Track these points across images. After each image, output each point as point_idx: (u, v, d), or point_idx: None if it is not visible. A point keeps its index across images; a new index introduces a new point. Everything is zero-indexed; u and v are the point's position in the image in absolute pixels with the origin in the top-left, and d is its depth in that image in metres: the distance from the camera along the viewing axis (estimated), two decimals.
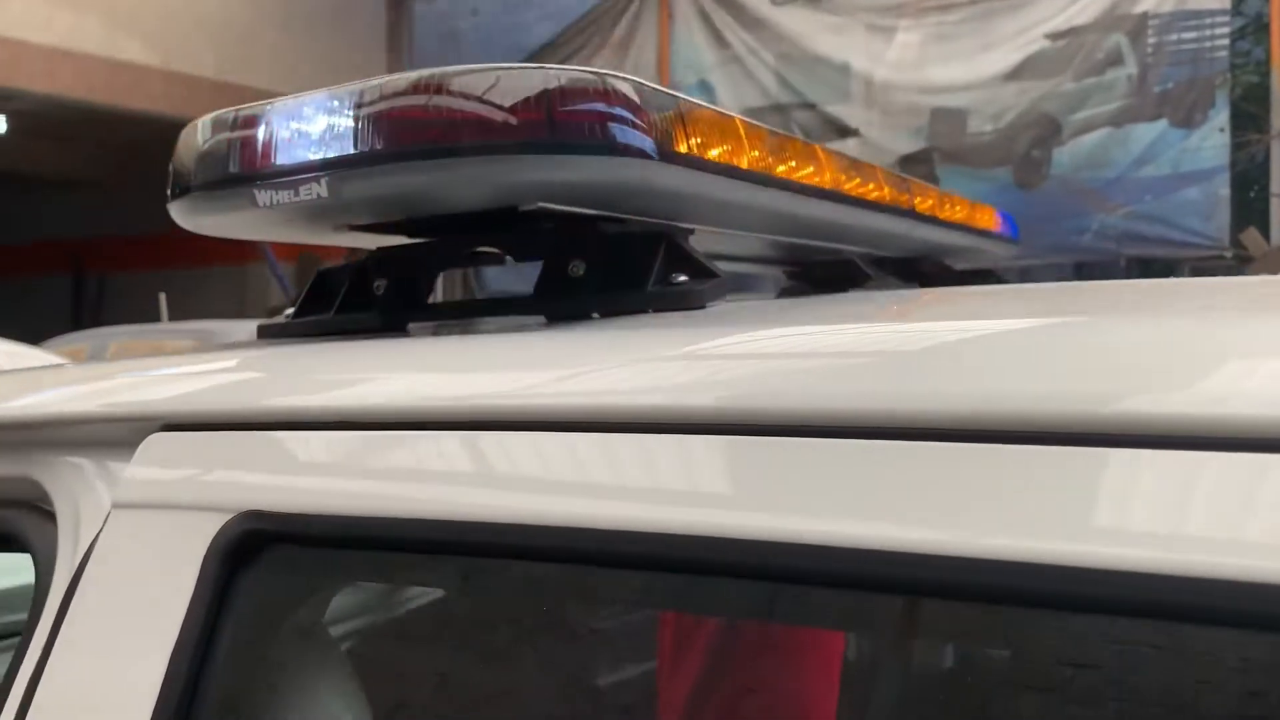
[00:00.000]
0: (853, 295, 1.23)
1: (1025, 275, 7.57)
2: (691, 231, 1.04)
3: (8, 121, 9.24)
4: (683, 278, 0.86)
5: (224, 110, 0.87)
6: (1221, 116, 7.09)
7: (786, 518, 0.56)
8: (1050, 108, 7.49)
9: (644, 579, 0.65)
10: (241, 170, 0.83)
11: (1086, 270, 7.58)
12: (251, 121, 0.84)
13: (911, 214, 1.31)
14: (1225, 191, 7.05)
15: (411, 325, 0.96)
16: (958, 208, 1.48)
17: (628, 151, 0.79)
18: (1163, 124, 7.20)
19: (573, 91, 0.78)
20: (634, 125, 0.80)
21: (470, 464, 0.67)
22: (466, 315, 0.97)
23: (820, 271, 1.61)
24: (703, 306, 0.85)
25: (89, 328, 8.79)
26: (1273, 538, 0.46)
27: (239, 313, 9.11)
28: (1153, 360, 0.54)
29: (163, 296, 7.12)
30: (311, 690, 0.77)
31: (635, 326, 0.78)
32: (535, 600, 0.75)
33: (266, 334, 1.04)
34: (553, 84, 0.77)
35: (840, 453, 0.56)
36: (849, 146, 8.17)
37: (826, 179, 1.09)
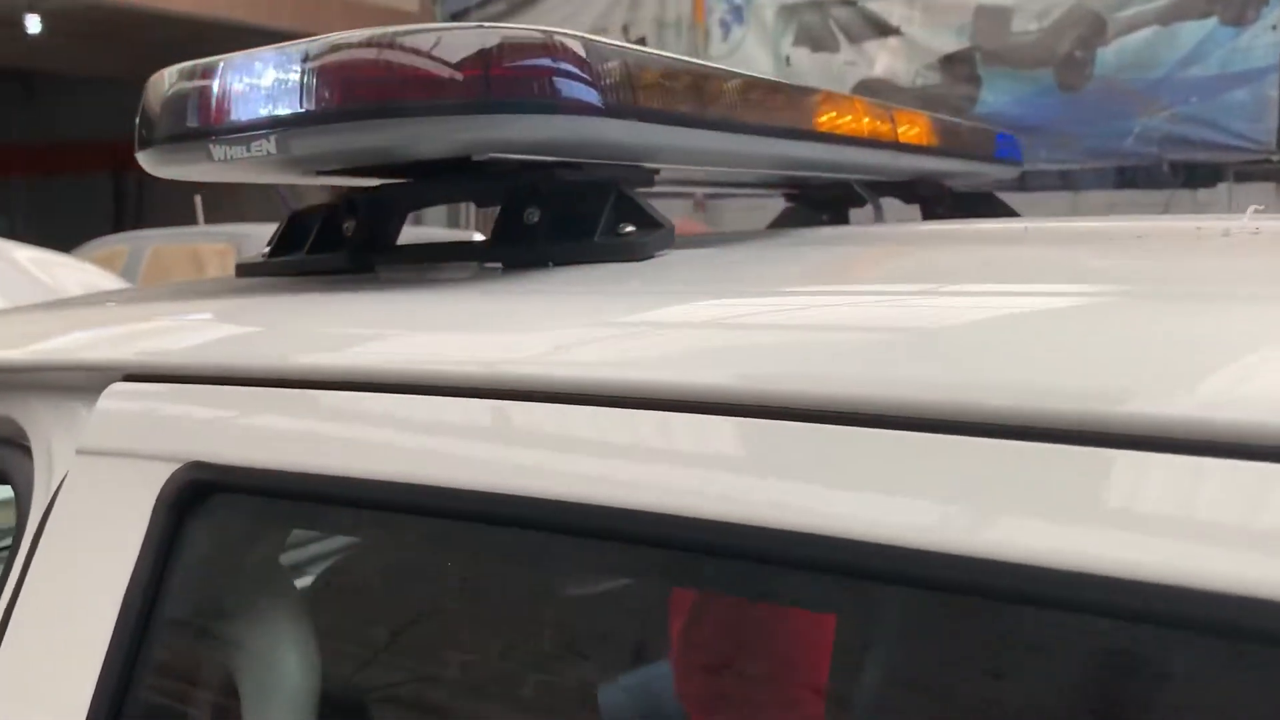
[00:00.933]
0: (795, 234, 1.23)
1: (1066, 179, 7.44)
2: (656, 172, 1.05)
3: (44, 21, 9.22)
4: (630, 228, 0.88)
5: (188, 62, 0.89)
6: (1274, 13, 6.84)
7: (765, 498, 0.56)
8: (1096, 5, 7.25)
9: (568, 543, 0.67)
10: (198, 124, 0.85)
11: (1129, 174, 7.42)
12: (208, 74, 0.86)
13: (893, 145, 1.31)
14: (1274, 93, 6.83)
15: (379, 266, 0.99)
16: (948, 134, 1.47)
17: (573, 108, 0.80)
18: (1212, 21, 6.95)
19: (514, 49, 0.79)
20: (580, 80, 0.81)
21: (402, 425, 0.70)
22: (431, 258, 1.00)
23: (818, 195, 1.62)
24: (649, 257, 0.87)
25: (130, 228, 8.89)
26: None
27: (273, 215, 9.16)
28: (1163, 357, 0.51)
29: (198, 199, 7.18)
30: (260, 629, 0.82)
31: (577, 283, 0.81)
32: (460, 556, 0.79)
33: (244, 272, 1.07)
34: (493, 42, 0.78)
35: (772, 433, 0.57)
36: (889, 45, 7.99)
37: (793, 118, 1.09)
